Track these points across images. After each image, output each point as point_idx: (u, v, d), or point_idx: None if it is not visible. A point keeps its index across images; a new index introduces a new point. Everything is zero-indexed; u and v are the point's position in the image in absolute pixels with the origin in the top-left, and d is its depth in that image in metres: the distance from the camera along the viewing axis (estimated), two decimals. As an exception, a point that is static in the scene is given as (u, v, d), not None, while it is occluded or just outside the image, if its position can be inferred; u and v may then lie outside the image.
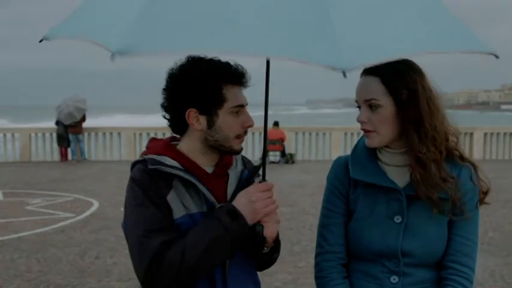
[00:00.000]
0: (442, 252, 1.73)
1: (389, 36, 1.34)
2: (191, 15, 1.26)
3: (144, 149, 1.78)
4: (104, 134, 16.33)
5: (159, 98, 1.74)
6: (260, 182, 1.65)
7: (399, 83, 1.65)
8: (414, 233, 1.71)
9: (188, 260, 1.55)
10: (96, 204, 9.02)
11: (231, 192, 1.74)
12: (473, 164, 1.78)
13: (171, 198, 1.64)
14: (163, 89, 1.71)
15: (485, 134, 16.30)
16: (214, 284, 1.67)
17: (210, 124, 1.68)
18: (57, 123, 15.29)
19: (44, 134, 16.31)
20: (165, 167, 1.64)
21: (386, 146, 1.76)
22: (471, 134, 15.86)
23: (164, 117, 1.75)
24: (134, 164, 1.73)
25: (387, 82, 1.66)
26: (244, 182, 1.77)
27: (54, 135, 15.58)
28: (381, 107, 1.67)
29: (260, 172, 1.72)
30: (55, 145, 15.78)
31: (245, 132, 1.73)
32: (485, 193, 1.77)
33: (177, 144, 1.77)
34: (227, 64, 1.67)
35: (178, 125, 1.73)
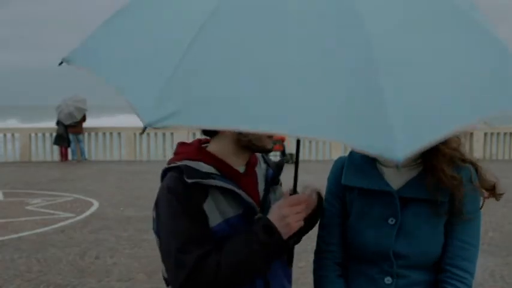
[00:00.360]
0: (437, 254, 1.72)
1: (447, 110, 1.15)
2: (224, 89, 1.17)
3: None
4: (104, 134, 16.31)
5: None
6: (291, 194, 1.64)
7: None
8: (408, 235, 1.71)
9: (224, 274, 1.55)
10: (96, 204, 9.01)
11: (262, 190, 1.76)
12: (474, 164, 1.75)
13: (208, 206, 1.62)
14: None
15: (485, 134, 16.29)
16: (254, 284, 1.68)
17: None
18: (58, 123, 15.30)
19: (44, 134, 16.30)
20: (206, 180, 1.61)
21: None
22: (471, 134, 15.85)
23: None
24: (166, 171, 1.69)
25: None
26: (270, 181, 1.80)
27: (54, 135, 15.57)
28: None
29: (282, 175, 1.73)
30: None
31: None
32: (493, 189, 1.73)
33: (206, 146, 1.76)
34: None
35: None
